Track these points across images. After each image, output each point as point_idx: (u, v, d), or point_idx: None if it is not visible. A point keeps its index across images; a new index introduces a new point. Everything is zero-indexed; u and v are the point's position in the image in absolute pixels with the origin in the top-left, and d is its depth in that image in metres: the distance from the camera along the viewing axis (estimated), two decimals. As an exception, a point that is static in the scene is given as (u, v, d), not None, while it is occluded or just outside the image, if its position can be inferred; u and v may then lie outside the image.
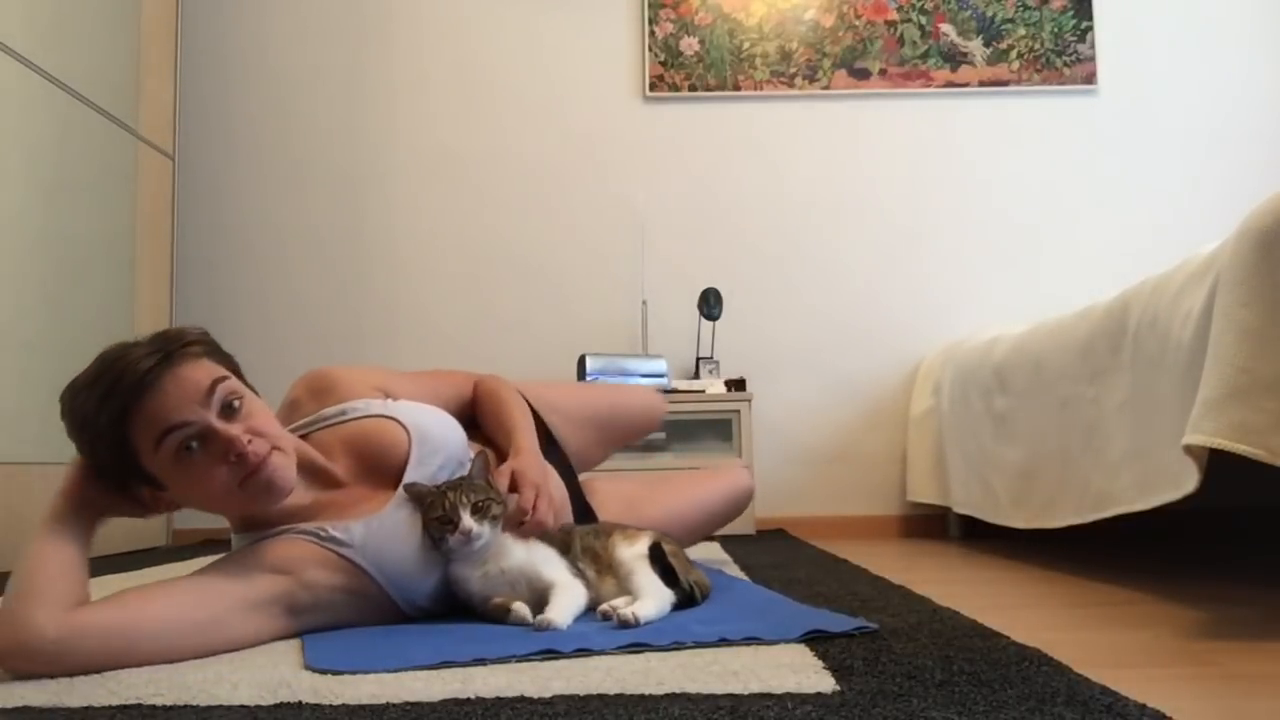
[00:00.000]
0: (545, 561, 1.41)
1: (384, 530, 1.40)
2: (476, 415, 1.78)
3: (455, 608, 1.44)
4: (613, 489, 1.97)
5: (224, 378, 1.30)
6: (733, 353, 3.46)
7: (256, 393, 1.39)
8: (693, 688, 0.96)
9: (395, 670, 1.08)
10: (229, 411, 1.29)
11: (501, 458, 1.65)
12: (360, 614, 1.40)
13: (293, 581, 1.33)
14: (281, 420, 1.55)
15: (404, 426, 1.52)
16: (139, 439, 1.25)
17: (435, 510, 1.39)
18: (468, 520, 1.36)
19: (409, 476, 1.46)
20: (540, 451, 1.66)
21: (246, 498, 1.32)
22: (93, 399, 1.24)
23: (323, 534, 1.37)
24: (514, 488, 1.53)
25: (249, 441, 1.28)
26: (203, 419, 1.26)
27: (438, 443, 1.53)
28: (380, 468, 1.48)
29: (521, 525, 1.47)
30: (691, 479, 2.15)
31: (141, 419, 1.24)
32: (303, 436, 1.50)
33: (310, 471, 1.44)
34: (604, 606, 1.32)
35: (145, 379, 1.23)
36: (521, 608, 1.33)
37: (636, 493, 1.98)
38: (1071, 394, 2.08)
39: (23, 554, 1.20)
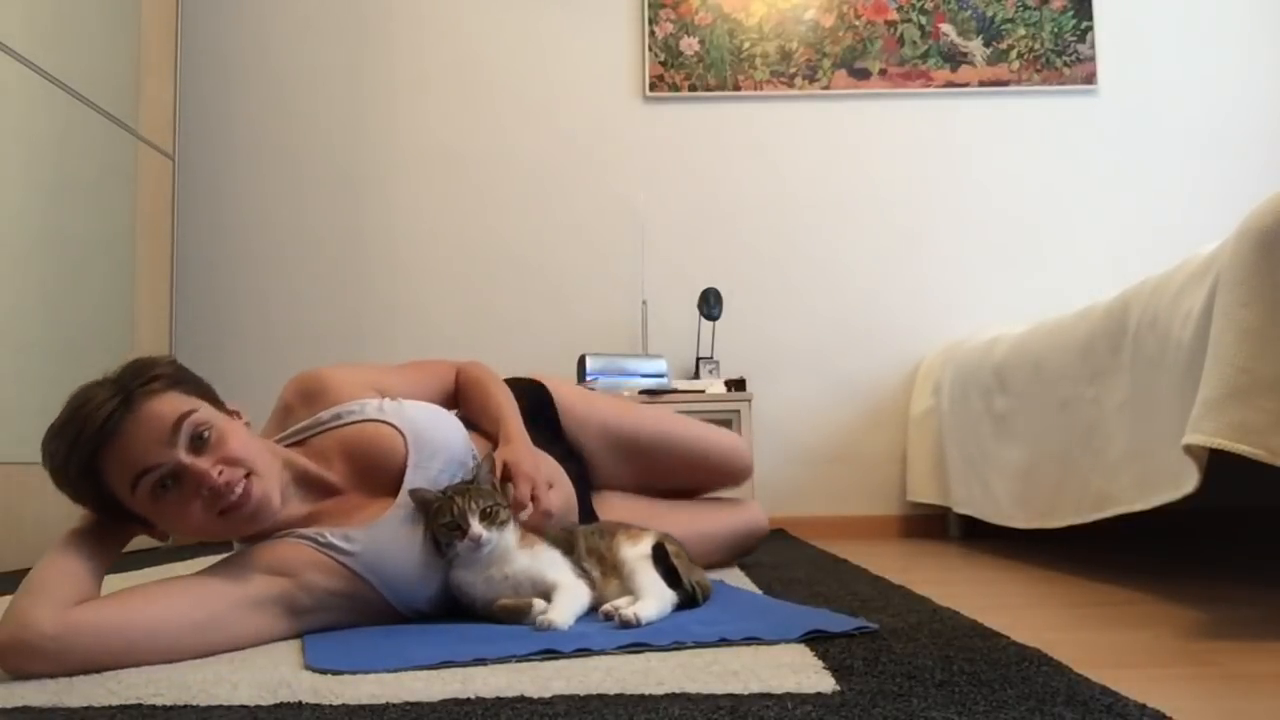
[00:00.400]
0: (549, 564, 1.40)
1: (384, 537, 1.40)
2: (461, 404, 1.76)
3: (455, 611, 1.43)
4: (622, 505, 1.95)
5: (190, 411, 1.27)
6: (733, 353, 3.45)
7: (236, 413, 1.38)
8: (693, 688, 0.96)
9: (395, 670, 1.08)
10: (199, 444, 1.27)
11: (492, 444, 1.64)
12: (359, 617, 1.39)
13: (292, 584, 1.33)
14: (274, 427, 1.53)
15: (400, 431, 1.50)
16: (113, 484, 1.24)
17: (443, 516, 1.38)
18: (477, 527, 1.36)
19: (409, 481, 1.45)
20: (528, 437, 1.64)
21: (229, 526, 1.31)
22: (61, 449, 1.23)
23: (321, 539, 1.37)
24: (506, 478, 1.51)
25: (220, 473, 1.26)
26: (171, 458, 1.24)
27: (437, 445, 1.52)
28: (377, 473, 1.47)
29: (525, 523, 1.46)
30: (707, 509, 2.13)
31: (111, 466, 1.23)
32: (299, 443, 1.49)
33: (305, 482, 1.44)
34: (606, 606, 1.32)
35: (106, 427, 1.21)
36: (540, 603, 1.32)
37: (648, 513, 1.94)
38: (1071, 394, 2.08)
39: (40, 560, 1.21)
